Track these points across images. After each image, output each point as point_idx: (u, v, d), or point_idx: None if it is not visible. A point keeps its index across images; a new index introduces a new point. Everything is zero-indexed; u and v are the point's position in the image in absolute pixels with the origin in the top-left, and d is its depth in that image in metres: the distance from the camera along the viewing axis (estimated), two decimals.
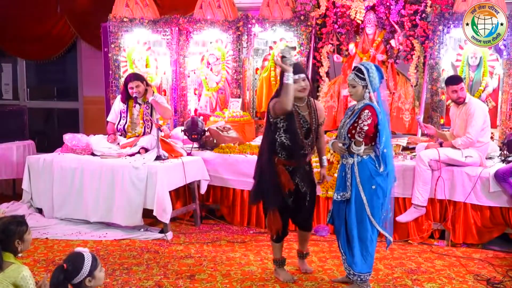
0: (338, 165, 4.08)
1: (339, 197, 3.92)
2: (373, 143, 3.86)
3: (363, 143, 3.81)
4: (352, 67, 4.05)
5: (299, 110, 4.05)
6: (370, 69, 3.82)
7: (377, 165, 3.83)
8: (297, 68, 3.94)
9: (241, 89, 6.75)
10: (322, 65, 6.67)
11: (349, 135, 3.86)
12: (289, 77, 3.83)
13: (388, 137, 3.85)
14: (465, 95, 5.16)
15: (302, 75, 3.98)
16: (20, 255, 3.06)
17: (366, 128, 3.77)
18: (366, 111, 3.80)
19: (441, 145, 5.19)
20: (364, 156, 3.83)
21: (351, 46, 6.57)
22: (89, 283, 2.75)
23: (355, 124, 3.82)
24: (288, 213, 4.18)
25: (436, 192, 5.10)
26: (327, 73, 6.73)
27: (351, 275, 3.91)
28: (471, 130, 5.01)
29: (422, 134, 6.02)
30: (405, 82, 6.44)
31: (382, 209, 3.90)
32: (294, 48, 4.09)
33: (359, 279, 3.89)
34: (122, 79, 6.83)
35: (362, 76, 3.83)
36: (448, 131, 5.42)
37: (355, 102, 4.00)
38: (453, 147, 5.10)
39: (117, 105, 5.92)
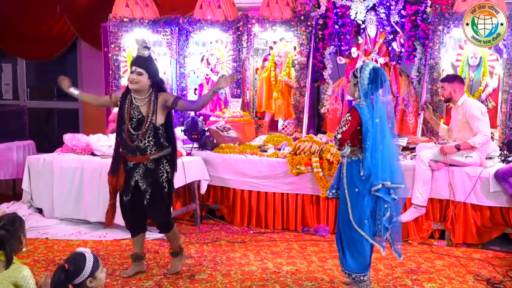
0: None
1: (330, 194, 3.95)
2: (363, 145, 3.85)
3: (348, 145, 3.79)
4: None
5: (134, 101, 4.07)
6: (363, 69, 3.78)
7: (360, 169, 3.79)
8: (135, 60, 4.08)
9: (241, 89, 6.75)
10: (325, 68, 6.69)
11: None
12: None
13: (375, 142, 3.75)
14: (447, 94, 5.20)
15: (138, 69, 4.01)
16: (24, 249, 3.05)
17: (339, 136, 3.75)
18: (347, 114, 3.78)
19: (458, 149, 5.03)
20: (353, 158, 3.82)
21: (353, 50, 6.58)
22: (90, 283, 2.74)
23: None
24: (131, 209, 4.19)
25: (436, 192, 5.09)
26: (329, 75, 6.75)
27: (346, 274, 3.92)
28: (482, 128, 5.00)
29: (422, 134, 6.03)
30: (408, 85, 6.45)
31: (376, 215, 3.84)
32: (145, 43, 4.20)
33: (350, 277, 3.90)
34: (122, 79, 6.84)
35: (356, 74, 3.82)
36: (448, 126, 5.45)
37: None
38: (472, 148, 5.02)
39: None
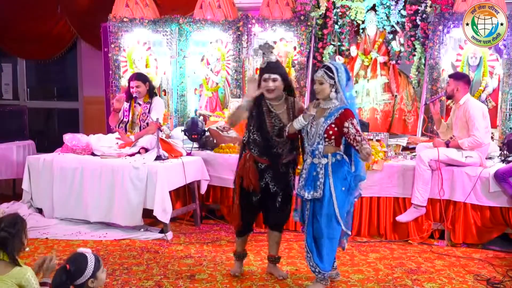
0: (303, 163, 4.02)
1: (310, 196, 3.86)
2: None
3: (334, 144, 3.84)
4: (322, 65, 4.04)
5: (272, 108, 4.04)
6: (339, 69, 3.85)
7: (349, 166, 3.88)
8: (269, 67, 3.99)
9: (241, 89, 6.75)
10: None
11: (325, 135, 3.83)
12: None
13: None
14: (450, 91, 5.21)
15: (273, 75, 3.96)
16: (27, 249, 3.04)
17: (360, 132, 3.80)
18: (350, 119, 3.77)
19: (447, 145, 5.17)
20: (338, 157, 3.84)
21: (353, 48, 6.59)
22: (91, 284, 2.75)
23: (333, 125, 3.80)
24: (253, 210, 4.19)
25: (436, 192, 5.10)
26: None
27: (316, 272, 3.91)
28: (477, 132, 5.00)
29: (422, 134, 6.03)
30: (407, 84, 6.46)
31: (349, 209, 3.97)
32: (272, 47, 4.09)
33: (322, 276, 3.91)
34: (122, 79, 6.85)
35: (331, 74, 3.83)
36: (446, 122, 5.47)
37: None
38: (459, 147, 5.08)
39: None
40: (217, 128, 6.10)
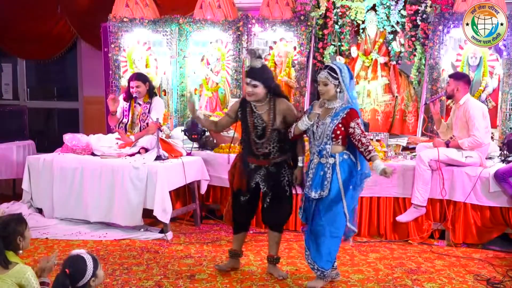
0: (309, 163, 4.03)
1: (316, 195, 3.90)
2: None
3: (341, 143, 3.87)
4: (324, 66, 4.05)
5: (255, 109, 4.11)
6: (342, 69, 3.88)
7: (355, 164, 3.91)
8: (252, 72, 4.05)
9: (241, 89, 6.75)
10: None
11: (333, 135, 3.85)
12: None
13: None
14: (450, 91, 5.20)
15: (254, 82, 4.03)
16: (21, 252, 3.07)
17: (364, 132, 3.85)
18: (355, 119, 3.82)
19: (447, 145, 5.18)
20: (345, 156, 3.87)
21: (353, 49, 6.59)
22: (93, 283, 2.79)
23: (340, 125, 3.83)
24: (245, 210, 4.25)
25: (436, 192, 5.10)
26: None
27: (315, 269, 3.95)
28: (477, 132, 5.00)
29: (422, 134, 6.03)
30: (408, 85, 6.45)
31: (355, 205, 4.01)
32: (257, 53, 4.12)
33: (322, 274, 3.93)
34: (122, 79, 6.84)
35: (335, 75, 3.84)
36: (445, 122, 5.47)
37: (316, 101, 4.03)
38: (459, 147, 5.09)
39: (121, 102, 5.96)
40: None
